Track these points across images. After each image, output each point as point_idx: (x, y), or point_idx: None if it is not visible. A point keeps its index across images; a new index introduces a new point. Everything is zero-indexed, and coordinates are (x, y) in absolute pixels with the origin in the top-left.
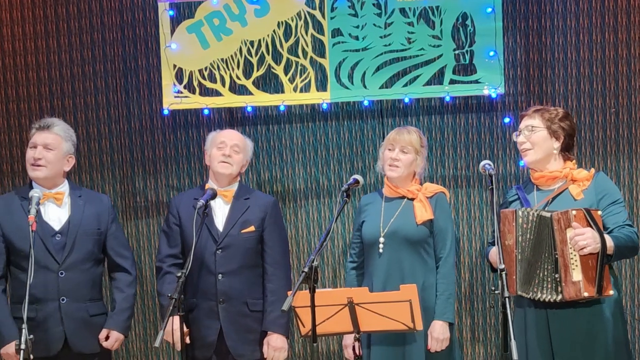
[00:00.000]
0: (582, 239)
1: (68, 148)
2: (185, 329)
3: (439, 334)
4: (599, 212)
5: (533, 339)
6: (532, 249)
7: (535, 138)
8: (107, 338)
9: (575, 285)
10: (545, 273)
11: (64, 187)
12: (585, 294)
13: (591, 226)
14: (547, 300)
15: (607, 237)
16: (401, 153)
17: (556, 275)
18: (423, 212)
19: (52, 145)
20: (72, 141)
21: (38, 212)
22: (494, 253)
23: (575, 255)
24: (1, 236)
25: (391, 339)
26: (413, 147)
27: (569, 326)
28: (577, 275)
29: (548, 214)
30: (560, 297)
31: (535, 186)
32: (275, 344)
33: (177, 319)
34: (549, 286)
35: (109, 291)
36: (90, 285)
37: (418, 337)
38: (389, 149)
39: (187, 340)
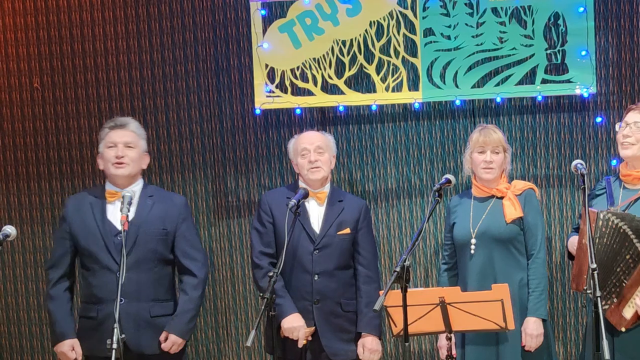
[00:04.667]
0: None
1: (144, 146)
2: (309, 328)
3: (532, 330)
4: None
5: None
6: (607, 255)
7: None
8: (166, 339)
9: (620, 319)
10: (611, 287)
11: (137, 186)
12: (623, 329)
13: None
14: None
15: None
16: (493, 154)
17: (615, 299)
18: (512, 210)
19: (132, 143)
20: (145, 139)
21: (104, 211)
22: (572, 242)
23: (637, 297)
24: (69, 233)
25: (485, 338)
26: (502, 146)
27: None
28: (628, 312)
29: (630, 232)
30: (604, 309)
31: (622, 183)
32: (371, 346)
33: (298, 316)
34: (607, 300)
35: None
36: (154, 285)
37: (512, 336)
38: (480, 152)
39: (310, 337)
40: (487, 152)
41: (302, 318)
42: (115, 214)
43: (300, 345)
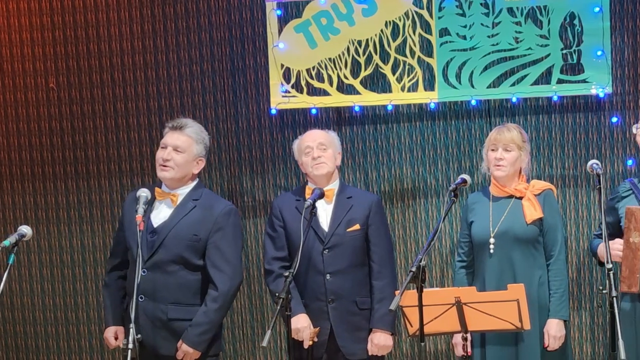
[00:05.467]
0: None
1: (199, 151)
2: (314, 328)
3: (556, 332)
4: None
5: None
6: None
7: None
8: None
9: None
10: None
11: (186, 188)
12: None
13: None
14: None
15: None
16: (505, 152)
17: None
18: (532, 211)
19: (181, 147)
20: (203, 143)
21: (147, 210)
22: (603, 248)
23: None
24: (122, 225)
25: (505, 339)
26: (515, 144)
27: None
28: None
29: None
30: None
31: None
32: (379, 342)
33: (305, 316)
34: None
35: None
36: (176, 288)
37: (531, 336)
38: (492, 149)
39: (316, 338)
40: (498, 150)
41: (308, 319)
42: (158, 213)
43: (305, 346)
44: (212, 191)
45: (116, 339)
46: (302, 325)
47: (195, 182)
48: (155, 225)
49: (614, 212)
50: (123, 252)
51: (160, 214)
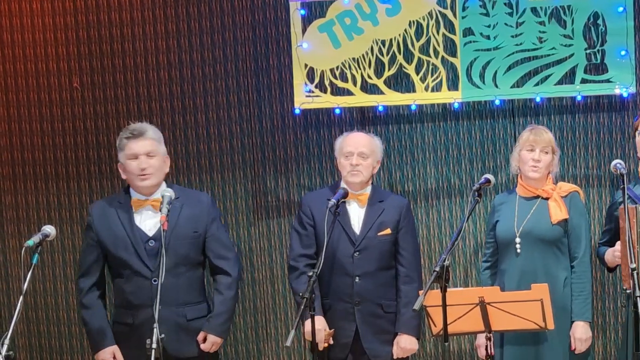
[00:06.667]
0: None
1: (164, 150)
2: (329, 329)
3: (581, 335)
4: None
5: None
6: None
7: None
8: (205, 340)
9: None
10: None
11: (166, 192)
12: None
13: None
14: None
15: None
16: (542, 154)
17: None
18: (558, 212)
19: (152, 152)
20: (163, 141)
21: (131, 219)
22: (609, 254)
23: None
24: (96, 242)
25: (525, 339)
26: (551, 147)
27: None
28: None
29: None
30: None
31: None
32: (404, 345)
33: (321, 318)
34: None
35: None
36: (186, 289)
37: (551, 337)
38: (529, 150)
39: (331, 340)
40: (536, 151)
41: (323, 321)
42: (143, 221)
43: (320, 348)
44: (183, 185)
45: (114, 359)
46: (317, 327)
47: (164, 184)
48: (151, 234)
49: (614, 219)
50: (100, 270)
51: (149, 221)
